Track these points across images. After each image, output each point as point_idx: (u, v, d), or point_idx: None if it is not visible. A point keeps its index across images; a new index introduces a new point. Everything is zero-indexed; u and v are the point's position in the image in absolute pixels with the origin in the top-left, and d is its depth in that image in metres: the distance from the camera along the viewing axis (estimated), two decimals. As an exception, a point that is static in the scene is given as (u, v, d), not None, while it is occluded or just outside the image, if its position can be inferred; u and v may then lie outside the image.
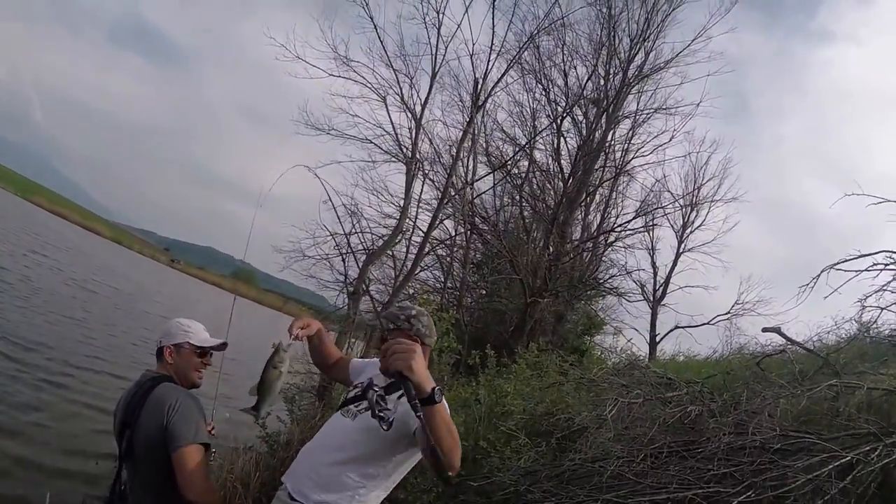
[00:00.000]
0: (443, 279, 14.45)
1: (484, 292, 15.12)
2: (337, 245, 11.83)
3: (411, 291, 12.60)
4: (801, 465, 3.31)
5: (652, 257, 17.35)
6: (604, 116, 14.46)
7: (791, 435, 3.70)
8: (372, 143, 12.49)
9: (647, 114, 15.32)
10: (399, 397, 2.65)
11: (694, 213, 17.60)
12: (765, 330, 6.04)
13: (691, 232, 17.67)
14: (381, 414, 2.57)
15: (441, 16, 11.82)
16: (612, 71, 14.63)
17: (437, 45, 12.11)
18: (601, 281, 14.97)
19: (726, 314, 16.58)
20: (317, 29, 11.69)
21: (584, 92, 14.55)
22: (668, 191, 16.28)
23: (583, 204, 14.97)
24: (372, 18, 11.79)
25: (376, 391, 2.71)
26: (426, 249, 12.21)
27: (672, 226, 17.64)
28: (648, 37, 14.59)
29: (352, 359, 3.30)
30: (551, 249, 13.52)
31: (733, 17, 15.11)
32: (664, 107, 15.06)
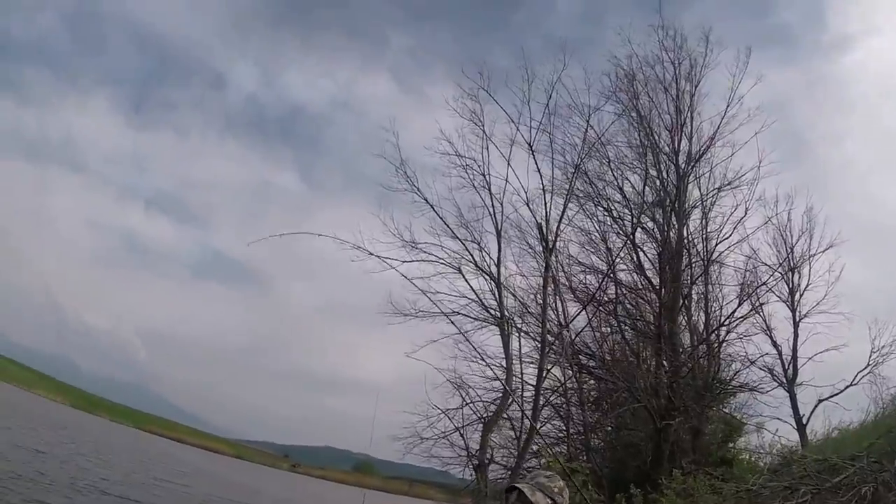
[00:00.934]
0: (564, 427, 13.89)
1: (609, 428, 14.40)
2: (451, 420, 11.68)
3: (535, 448, 12.12)
4: None
5: (771, 337, 16.06)
6: (672, 215, 14.16)
7: None
8: (459, 314, 12.65)
9: (713, 196, 14.76)
10: None
11: (797, 277, 16.47)
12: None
13: (801, 296, 16.40)
14: None
15: (487, 177, 12.31)
16: (662, 168, 14.54)
17: (492, 204, 12.56)
18: (727, 381, 13.99)
19: (866, 368, 15.03)
20: (378, 222, 12.42)
21: (645, 198, 14.43)
22: (764, 263, 15.33)
23: (682, 308, 14.33)
24: (426, 199, 12.40)
25: None
26: (540, 402, 11.96)
27: (779, 297, 16.47)
28: (685, 122, 14.51)
29: None
30: (666, 365, 12.89)
31: (755, 65, 14.85)
32: (727, 183, 14.55)
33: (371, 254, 12.05)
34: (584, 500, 6.55)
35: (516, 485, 2.93)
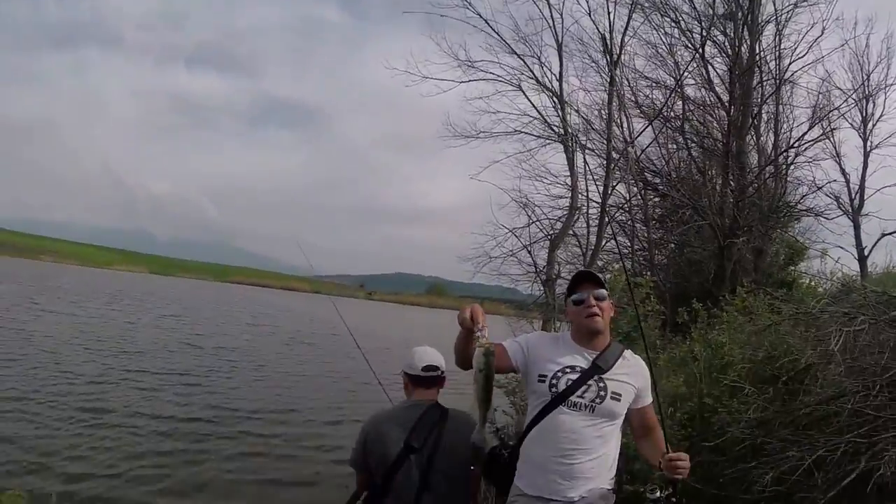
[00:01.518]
0: (629, 243, 14.19)
1: (673, 245, 14.66)
2: (519, 239, 12.03)
3: (601, 264, 12.54)
4: None
5: (840, 165, 15.63)
6: (744, 29, 13.31)
7: None
8: (522, 132, 12.54)
9: (788, 11, 13.53)
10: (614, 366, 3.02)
11: (871, 105, 15.73)
12: None
13: (874, 125, 15.81)
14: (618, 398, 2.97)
15: (545, -15, 11.56)
16: (734, -24, 13.33)
17: (551, 15, 11.96)
18: (793, 204, 13.89)
19: None
20: (432, 44, 11.96)
21: (715, 10, 13.50)
22: (837, 87, 14.55)
23: (751, 127, 13.94)
24: (479, 14, 11.83)
25: (603, 381, 2.98)
26: (606, 219, 12.10)
27: (852, 124, 15.82)
28: (759, -76, 13.06)
29: (504, 342, 3.14)
30: (732, 184, 12.85)
31: None
32: (804, -2, 13.48)
33: (425, 77, 11.81)
34: (650, 311, 6.91)
35: (584, 270, 3.20)
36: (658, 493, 2.95)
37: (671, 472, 2.88)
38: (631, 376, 3.06)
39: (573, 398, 2.95)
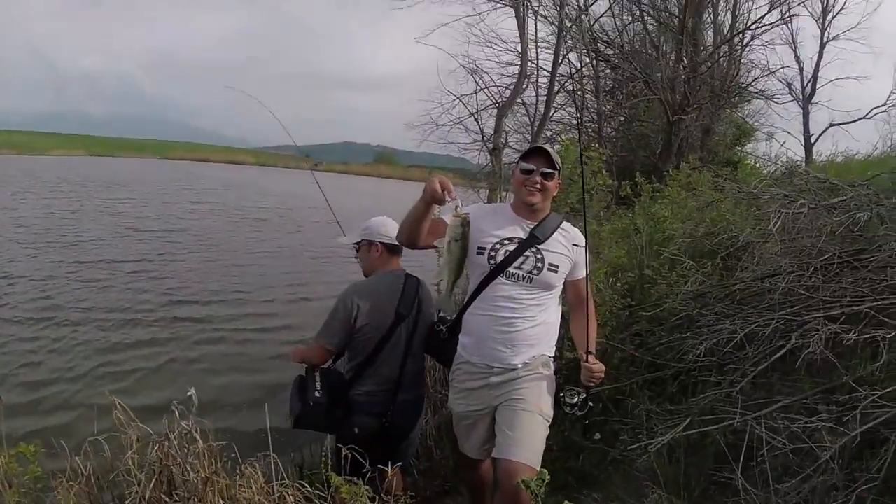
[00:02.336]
0: (577, 115, 14.10)
1: (623, 119, 14.70)
2: (466, 106, 11.84)
3: (549, 134, 12.50)
4: None
5: (795, 52, 15.75)
6: None
7: None
8: (470, -6, 12.07)
9: None
10: (552, 237, 3.11)
11: None
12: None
13: (833, 17, 15.80)
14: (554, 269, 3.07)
15: None
16: None
17: None
18: (744, 85, 13.96)
19: (883, 106, 15.01)
20: None
21: None
22: None
23: (710, 5, 13.80)
24: None
25: (539, 252, 3.07)
26: (555, 88, 11.94)
27: (811, 13, 15.80)
28: None
29: (444, 216, 3.07)
30: (685, 60, 12.80)
31: None
32: None
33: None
34: (600, 185, 6.96)
35: (540, 145, 3.14)
36: (576, 399, 3.10)
37: (586, 380, 3.00)
38: (568, 248, 3.15)
39: (511, 269, 3.04)
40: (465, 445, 3.38)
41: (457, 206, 2.80)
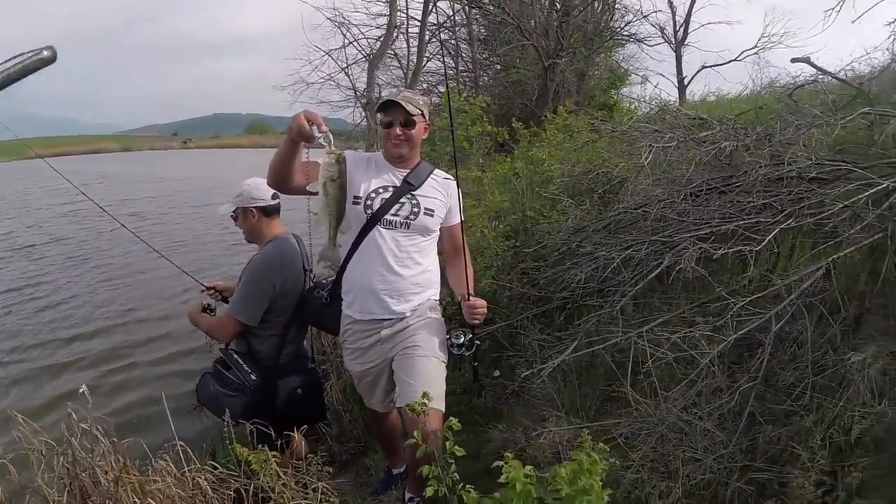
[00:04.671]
0: (454, 64, 14.05)
1: (499, 67, 14.75)
2: (336, 62, 11.61)
3: (425, 86, 12.37)
4: (839, 193, 3.39)
5: None
6: None
7: (826, 164, 3.75)
8: (333, -58, 11.60)
9: None
10: (426, 183, 3.13)
11: None
12: (794, 60, 5.76)
13: None
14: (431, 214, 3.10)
15: None
16: None
17: None
18: (618, 30, 14.30)
19: (753, 49, 15.92)
20: None
21: None
22: None
23: (583, -51, 13.92)
24: None
25: (416, 194, 3.09)
26: (427, 37, 11.77)
27: None
28: None
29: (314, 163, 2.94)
30: (558, 6, 12.94)
31: None
32: None
33: None
34: (481, 132, 6.98)
35: (391, 98, 3.05)
36: (462, 339, 3.15)
37: (470, 318, 3.07)
38: (442, 193, 3.16)
39: (388, 216, 3.03)
40: (371, 401, 3.40)
41: (330, 143, 2.65)
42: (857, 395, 2.66)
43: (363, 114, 10.74)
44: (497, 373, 4.65)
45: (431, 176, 3.16)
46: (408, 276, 3.07)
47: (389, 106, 3.04)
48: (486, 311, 3.10)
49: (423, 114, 3.07)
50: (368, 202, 3.03)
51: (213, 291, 3.75)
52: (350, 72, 11.76)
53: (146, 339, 8.46)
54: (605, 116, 8.03)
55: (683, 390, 3.10)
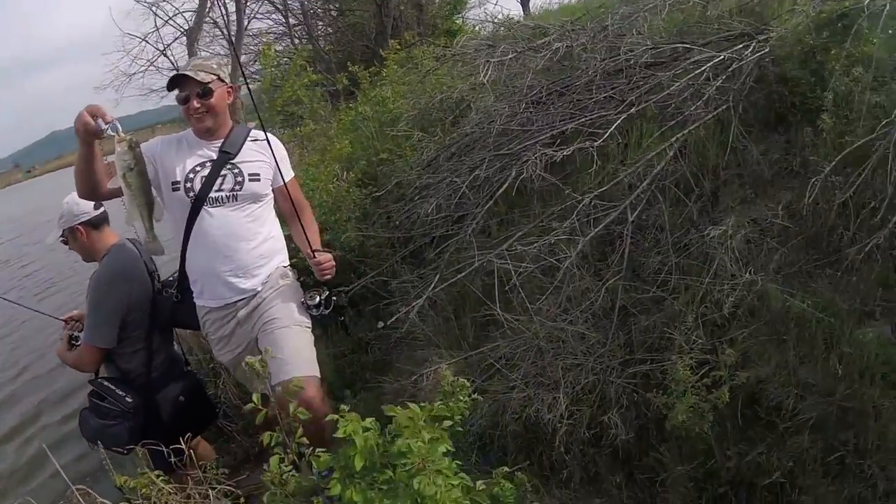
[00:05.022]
0: (283, 19, 13.31)
1: (335, 14, 14.16)
2: (154, 46, 10.99)
3: (258, 49, 11.67)
4: (678, 72, 3.36)
5: None
6: None
7: (663, 47, 3.72)
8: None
9: None
10: (243, 148, 2.95)
11: None
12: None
13: None
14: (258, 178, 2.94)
15: None
16: None
17: None
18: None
19: None
20: None
21: None
22: None
23: None
24: None
25: (236, 165, 2.91)
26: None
27: None
28: None
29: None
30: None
31: None
32: None
33: None
34: (307, 84, 6.67)
35: (178, 72, 2.91)
36: (318, 298, 3.02)
37: (319, 275, 2.98)
38: (263, 155, 2.98)
39: (212, 194, 2.86)
40: (255, 387, 3.16)
41: (118, 131, 2.45)
42: (722, 268, 2.65)
43: None
44: (381, 324, 4.49)
45: (248, 139, 2.98)
46: (249, 250, 2.92)
47: (180, 80, 2.84)
48: (333, 264, 3.00)
49: (220, 78, 2.86)
50: (188, 184, 2.84)
51: (73, 322, 3.50)
52: (171, 52, 11.04)
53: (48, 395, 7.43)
54: (448, 43, 7.79)
55: (552, 299, 3.03)
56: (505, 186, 3.36)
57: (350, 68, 7.54)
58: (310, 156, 6.67)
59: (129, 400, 3.12)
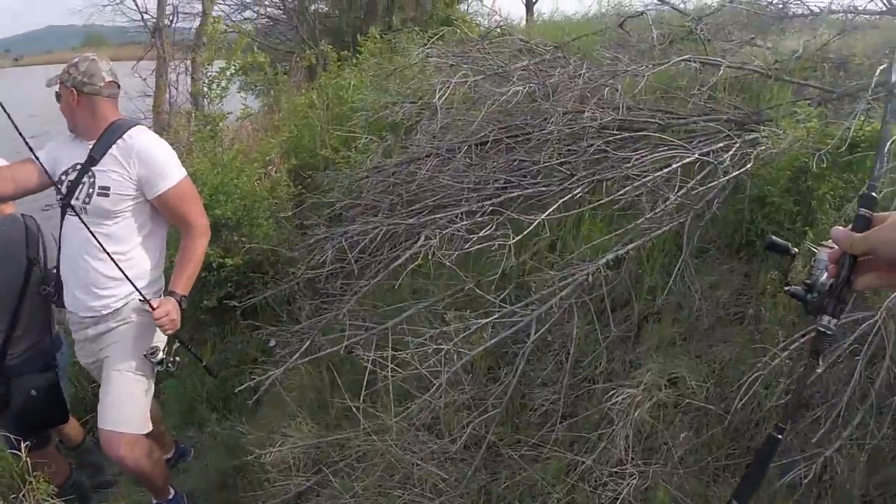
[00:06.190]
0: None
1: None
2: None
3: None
4: (642, 158, 2.81)
5: None
6: None
7: (633, 120, 3.16)
8: None
9: None
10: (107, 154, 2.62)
11: None
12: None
13: None
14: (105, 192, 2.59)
15: None
16: None
17: None
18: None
19: None
20: None
21: None
22: None
23: None
24: None
25: (93, 175, 2.62)
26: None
27: None
28: None
29: (31, 162, 2.68)
30: None
31: None
32: None
33: None
34: (248, 64, 6.09)
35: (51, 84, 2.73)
36: (160, 356, 2.70)
37: (162, 330, 2.64)
38: (124, 162, 2.61)
39: (73, 201, 2.61)
40: None
41: None
42: (614, 446, 2.07)
43: (157, 42, 9.40)
44: (273, 342, 3.96)
45: (117, 142, 2.62)
46: (95, 269, 2.65)
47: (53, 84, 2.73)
48: (171, 319, 2.60)
49: (62, 82, 2.66)
50: (59, 186, 2.64)
51: None
52: None
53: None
54: (440, 31, 7.14)
55: (422, 406, 2.46)
56: (401, 261, 2.77)
57: (322, 47, 6.90)
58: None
59: None
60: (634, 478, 2.01)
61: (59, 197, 2.67)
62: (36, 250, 3.11)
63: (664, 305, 2.56)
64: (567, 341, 2.43)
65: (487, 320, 2.37)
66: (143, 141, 2.64)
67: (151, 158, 2.61)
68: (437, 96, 3.88)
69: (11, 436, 2.75)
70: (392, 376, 2.46)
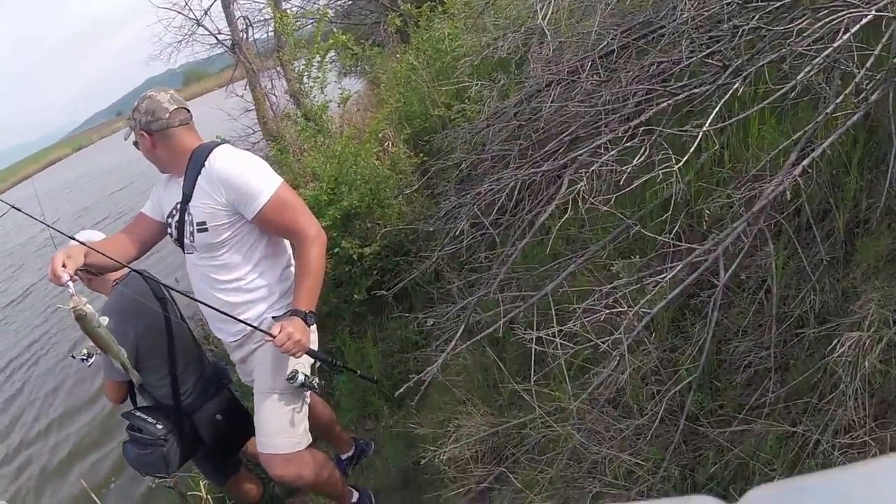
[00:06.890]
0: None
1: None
2: (186, 15, 10.14)
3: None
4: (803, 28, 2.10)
5: None
6: None
7: None
8: None
9: None
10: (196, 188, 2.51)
11: None
12: None
13: None
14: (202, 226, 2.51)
15: None
16: None
17: None
18: None
19: None
20: None
21: None
22: None
23: None
24: None
25: (189, 212, 2.54)
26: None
27: None
28: None
29: (143, 208, 2.75)
30: None
31: None
32: None
33: None
34: (330, 45, 5.81)
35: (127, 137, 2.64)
36: (299, 378, 2.58)
37: (289, 354, 2.49)
38: (213, 191, 2.47)
39: (185, 241, 2.61)
40: None
41: (71, 295, 2.25)
42: (841, 406, 1.58)
43: (236, 57, 9.44)
44: (431, 322, 3.76)
45: (201, 171, 2.49)
46: (223, 298, 2.62)
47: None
48: (297, 340, 2.41)
49: (132, 128, 2.57)
50: (169, 230, 2.67)
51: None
52: (205, 21, 10.18)
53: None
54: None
55: (601, 381, 2.07)
56: (549, 212, 2.35)
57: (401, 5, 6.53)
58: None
59: (159, 427, 3.04)
60: (870, 448, 1.53)
61: (173, 239, 2.67)
62: (160, 291, 3.16)
63: (870, 212, 1.97)
64: (765, 275, 1.94)
65: (663, 277, 1.90)
66: (222, 163, 2.49)
67: (234, 179, 2.46)
68: (541, 16, 3.49)
69: (213, 476, 3.04)
70: (562, 352, 2.09)
